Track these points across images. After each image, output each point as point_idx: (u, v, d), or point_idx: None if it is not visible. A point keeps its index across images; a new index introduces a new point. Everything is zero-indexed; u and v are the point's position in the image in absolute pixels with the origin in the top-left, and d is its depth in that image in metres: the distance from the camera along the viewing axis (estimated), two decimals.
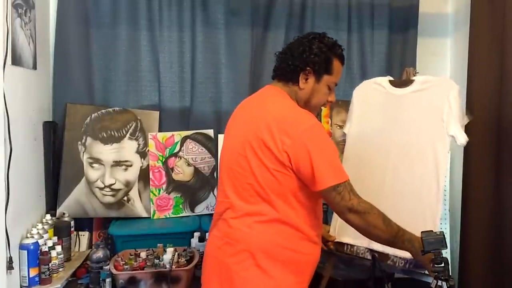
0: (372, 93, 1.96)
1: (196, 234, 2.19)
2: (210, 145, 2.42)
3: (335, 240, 1.87)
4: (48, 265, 1.86)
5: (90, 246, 2.26)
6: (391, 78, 1.96)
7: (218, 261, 1.48)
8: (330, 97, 1.58)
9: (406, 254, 1.60)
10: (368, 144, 1.88)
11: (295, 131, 1.38)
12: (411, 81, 1.86)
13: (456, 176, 2.37)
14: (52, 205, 2.21)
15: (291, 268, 1.44)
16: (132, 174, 2.33)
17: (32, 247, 1.81)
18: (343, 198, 1.40)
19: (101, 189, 2.28)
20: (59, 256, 1.93)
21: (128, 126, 2.35)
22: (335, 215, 1.95)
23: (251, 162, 1.42)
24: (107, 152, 2.30)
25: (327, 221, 2.29)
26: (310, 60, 1.50)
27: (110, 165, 2.30)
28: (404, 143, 1.80)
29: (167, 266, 1.91)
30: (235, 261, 1.43)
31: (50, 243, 1.92)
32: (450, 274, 1.50)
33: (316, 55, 1.50)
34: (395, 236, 1.46)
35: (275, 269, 1.42)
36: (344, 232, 1.87)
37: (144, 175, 2.34)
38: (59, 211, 2.20)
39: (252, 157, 1.42)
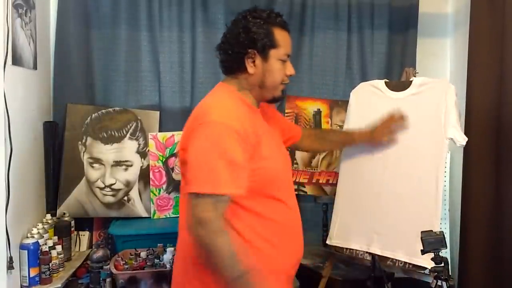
0: (370, 97, 1.95)
1: None
2: None
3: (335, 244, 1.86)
4: (49, 265, 1.86)
5: (90, 246, 2.27)
6: (387, 80, 1.96)
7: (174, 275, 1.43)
8: (288, 70, 1.40)
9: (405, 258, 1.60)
10: (367, 147, 1.88)
11: (193, 125, 1.27)
12: (408, 84, 1.86)
13: (456, 176, 2.36)
14: (52, 205, 2.21)
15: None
16: (133, 174, 2.33)
17: (32, 247, 1.81)
18: (196, 206, 1.18)
19: (101, 189, 2.28)
20: (59, 256, 1.93)
21: (129, 126, 2.35)
22: (333, 221, 1.95)
23: (181, 170, 1.34)
24: (107, 152, 2.30)
25: (327, 221, 2.30)
26: (249, 41, 1.34)
27: (111, 165, 2.30)
28: (403, 147, 1.80)
29: (167, 266, 1.92)
30: (180, 272, 1.37)
31: (50, 243, 1.93)
32: (450, 274, 1.50)
33: (254, 32, 1.34)
34: (232, 270, 1.20)
35: (210, 279, 1.26)
36: (344, 237, 1.88)
37: (144, 175, 2.34)
38: (59, 211, 2.20)
39: (180, 165, 1.36)
